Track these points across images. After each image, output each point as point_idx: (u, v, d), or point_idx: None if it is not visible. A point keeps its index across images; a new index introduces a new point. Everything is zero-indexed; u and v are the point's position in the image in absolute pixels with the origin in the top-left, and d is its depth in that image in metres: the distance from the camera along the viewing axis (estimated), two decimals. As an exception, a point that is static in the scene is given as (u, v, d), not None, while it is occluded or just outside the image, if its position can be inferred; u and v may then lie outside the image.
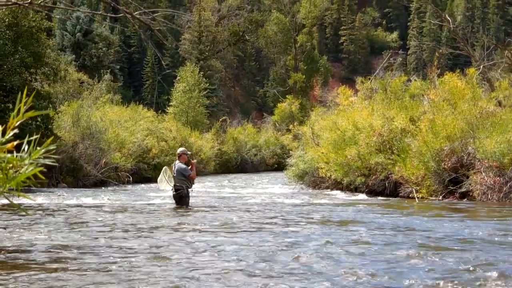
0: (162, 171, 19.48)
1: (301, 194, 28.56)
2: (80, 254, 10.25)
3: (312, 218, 16.39)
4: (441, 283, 8.00)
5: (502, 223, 14.53)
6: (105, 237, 12.27)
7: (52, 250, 10.70)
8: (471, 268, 8.86)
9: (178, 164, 18.95)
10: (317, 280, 8.29)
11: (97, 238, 12.21)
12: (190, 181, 19.04)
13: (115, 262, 9.44)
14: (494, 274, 8.40)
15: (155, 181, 23.84)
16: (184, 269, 8.92)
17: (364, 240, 11.93)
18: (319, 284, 8.07)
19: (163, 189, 19.84)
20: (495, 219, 15.71)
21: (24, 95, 2.49)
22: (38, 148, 2.48)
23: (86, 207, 19.88)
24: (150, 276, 8.45)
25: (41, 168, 2.46)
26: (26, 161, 2.43)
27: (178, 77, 75.79)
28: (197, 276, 8.47)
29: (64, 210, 18.48)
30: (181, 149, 19.81)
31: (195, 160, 20.15)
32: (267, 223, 14.93)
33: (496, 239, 11.90)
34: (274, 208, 19.79)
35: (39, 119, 29.50)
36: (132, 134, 42.90)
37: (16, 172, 2.42)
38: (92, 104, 41.39)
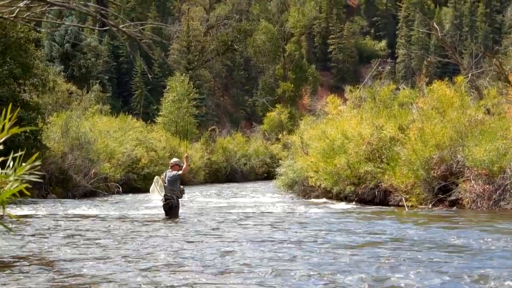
0: (154, 181, 19.40)
1: (289, 203, 28.52)
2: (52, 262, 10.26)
3: (280, 224, 17.04)
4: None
5: (455, 229, 15.20)
6: (77, 246, 12.37)
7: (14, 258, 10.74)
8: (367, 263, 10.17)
9: (170, 173, 18.87)
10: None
11: (66, 247, 12.33)
12: (181, 192, 18.99)
13: (84, 271, 9.51)
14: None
15: (145, 191, 23.89)
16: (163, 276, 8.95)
17: (300, 239, 13.42)
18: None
19: (155, 199, 19.79)
20: (461, 224, 16.22)
21: (9, 110, 2.46)
22: (24, 164, 2.45)
23: (73, 217, 19.83)
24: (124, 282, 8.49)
25: (26, 185, 2.44)
26: (11, 178, 2.40)
27: (167, 87, 75.69)
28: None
29: (51, 220, 18.42)
30: (175, 159, 19.78)
31: (188, 155, 19.90)
32: (247, 231, 14.99)
33: (431, 241, 13.03)
34: (259, 217, 19.86)
35: (27, 131, 29.38)
36: (121, 145, 42.81)
37: (0, 188, 2.40)
38: (81, 115, 41.29)
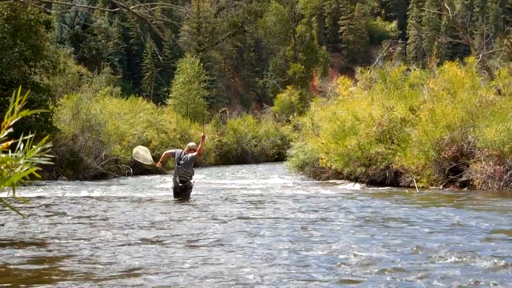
0: (139, 152, 19.92)
1: (300, 184, 28.56)
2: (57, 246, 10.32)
3: (280, 205, 17.08)
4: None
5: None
6: (83, 229, 12.41)
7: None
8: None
9: (186, 155, 18.82)
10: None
11: (75, 230, 12.37)
12: (192, 174, 19.00)
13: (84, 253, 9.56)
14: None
15: (156, 173, 23.95)
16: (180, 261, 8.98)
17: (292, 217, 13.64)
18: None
19: (145, 160, 20.01)
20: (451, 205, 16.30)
21: (18, 94, 2.47)
22: (34, 146, 2.46)
23: (83, 199, 19.85)
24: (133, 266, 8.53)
25: (36, 168, 2.44)
26: (21, 161, 2.41)
27: (178, 69, 75.70)
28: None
29: (60, 203, 18.45)
30: (192, 144, 19.76)
31: (205, 134, 19.76)
32: (256, 214, 14.99)
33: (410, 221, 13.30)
34: (270, 199, 19.84)
35: (38, 113, 29.42)
36: (132, 126, 42.86)
37: (11, 172, 2.40)
38: (91, 97, 41.31)
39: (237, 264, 8.66)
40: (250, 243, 10.37)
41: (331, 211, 15.30)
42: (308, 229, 11.88)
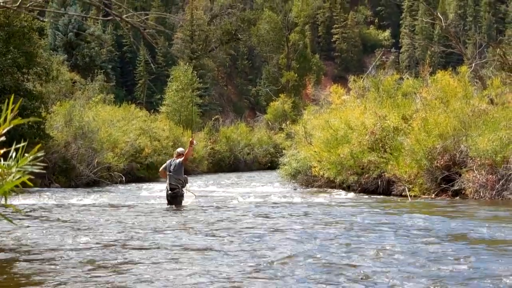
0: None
1: (289, 192, 28.51)
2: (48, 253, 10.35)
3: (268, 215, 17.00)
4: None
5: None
6: (71, 236, 12.40)
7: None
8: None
9: (174, 161, 18.86)
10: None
11: (63, 237, 12.37)
12: (184, 181, 18.98)
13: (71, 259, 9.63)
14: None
15: (148, 181, 23.90)
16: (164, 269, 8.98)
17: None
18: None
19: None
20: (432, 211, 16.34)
21: (11, 101, 2.47)
22: (26, 154, 2.46)
23: (74, 207, 19.83)
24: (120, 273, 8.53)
25: (28, 176, 2.44)
26: (13, 169, 2.41)
27: (171, 76, 75.72)
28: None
29: (50, 210, 18.42)
30: (181, 149, 19.81)
31: (193, 139, 19.70)
32: (246, 223, 14.99)
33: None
34: (257, 208, 19.83)
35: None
36: (124, 134, 42.79)
37: (3, 180, 2.40)
38: (84, 104, 41.28)
39: (190, 267, 8.90)
40: (207, 246, 10.72)
41: (302, 217, 15.52)
42: (264, 235, 12.16)
